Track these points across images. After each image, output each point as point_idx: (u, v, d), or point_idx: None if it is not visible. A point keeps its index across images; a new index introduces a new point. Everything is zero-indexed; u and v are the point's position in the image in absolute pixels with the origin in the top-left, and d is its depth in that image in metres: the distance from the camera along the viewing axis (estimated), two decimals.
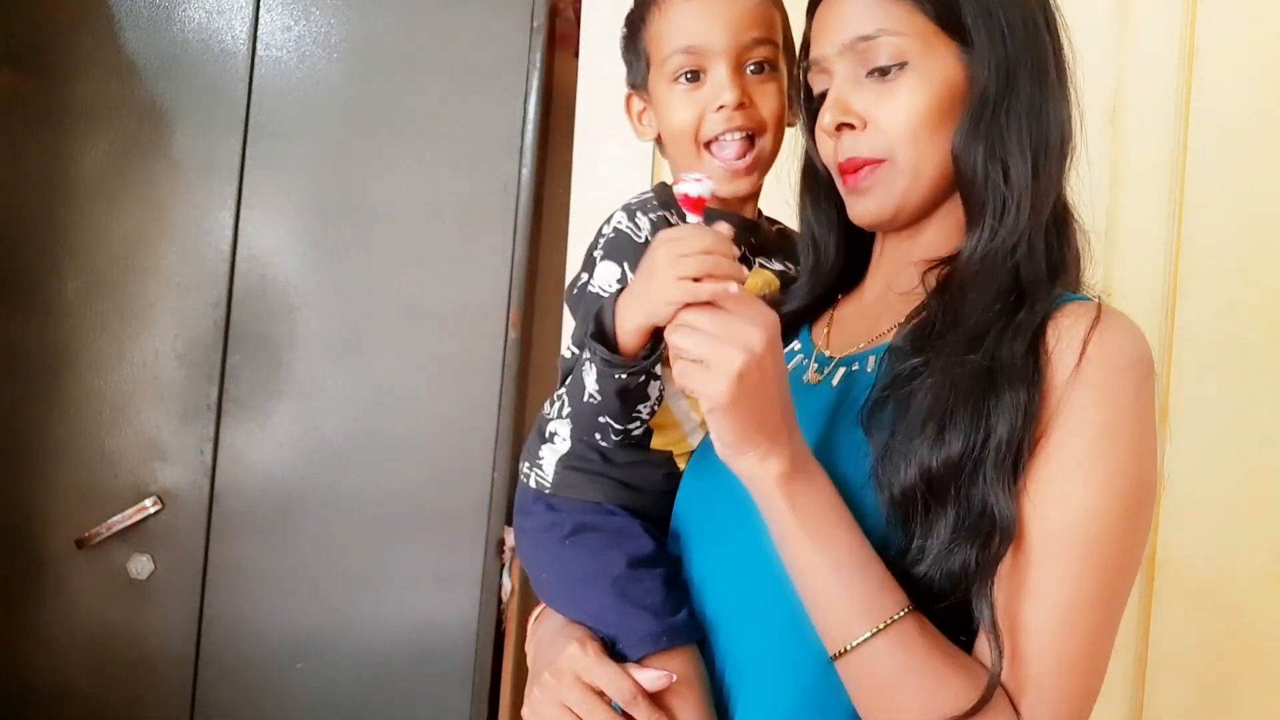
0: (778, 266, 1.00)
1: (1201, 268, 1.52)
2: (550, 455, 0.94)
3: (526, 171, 1.89)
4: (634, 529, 0.91)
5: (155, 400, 1.90)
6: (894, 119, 0.81)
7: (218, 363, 1.90)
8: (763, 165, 0.95)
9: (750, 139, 0.93)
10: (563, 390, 0.95)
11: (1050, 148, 0.82)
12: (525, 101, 1.89)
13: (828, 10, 0.85)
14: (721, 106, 0.91)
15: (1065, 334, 0.76)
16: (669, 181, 0.98)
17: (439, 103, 1.90)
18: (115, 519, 1.87)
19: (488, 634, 1.88)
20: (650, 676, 0.82)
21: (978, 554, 0.74)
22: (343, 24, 1.91)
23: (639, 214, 0.91)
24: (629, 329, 0.79)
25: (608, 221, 0.93)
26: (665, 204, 0.93)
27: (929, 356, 0.78)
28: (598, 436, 0.88)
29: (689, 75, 0.93)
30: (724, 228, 0.77)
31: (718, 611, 0.86)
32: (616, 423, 0.85)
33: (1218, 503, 1.50)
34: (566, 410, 0.92)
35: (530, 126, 1.89)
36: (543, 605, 0.97)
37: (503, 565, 1.89)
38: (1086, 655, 0.75)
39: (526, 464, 0.97)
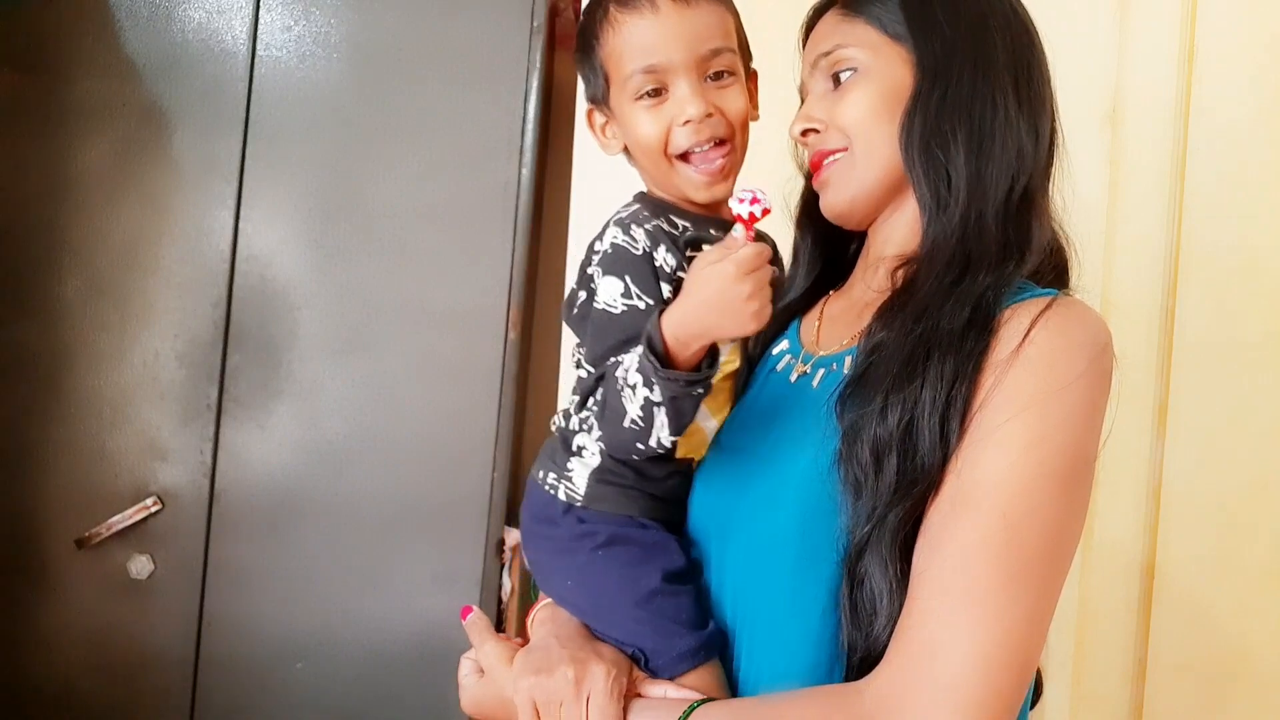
0: None
1: (1201, 268, 1.51)
2: (580, 469, 0.93)
3: (526, 171, 1.89)
4: (668, 543, 0.91)
5: (155, 400, 1.90)
6: (847, 115, 0.89)
7: (218, 363, 1.90)
8: (738, 166, 0.95)
9: (721, 143, 0.93)
10: (586, 414, 0.93)
11: (996, 137, 0.86)
12: (525, 101, 1.89)
13: (809, 41, 0.96)
14: (688, 120, 0.90)
15: (1016, 319, 0.79)
16: (644, 189, 0.99)
17: (439, 103, 1.90)
18: (115, 519, 1.87)
19: None
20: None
21: (899, 508, 0.76)
22: (343, 24, 1.91)
23: (633, 227, 0.90)
24: (693, 345, 0.80)
25: (600, 238, 0.92)
26: (655, 212, 0.92)
27: (886, 336, 0.83)
28: (635, 457, 0.88)
29: (651, 92, 0.91)
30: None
31: (735, 617, 0.88)
32: (679, 436, 0.84)
33: (1217, 504, 1.50)
34: (597, 434, 0.91)
35: (530, 126, 1.89)
36: (546, 602, 0.97)
37: (503, 565, 1.89)
38: (987, 617, 0.72)
39: (551, 475, 0.95)
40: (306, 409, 1.90)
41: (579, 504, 0.92)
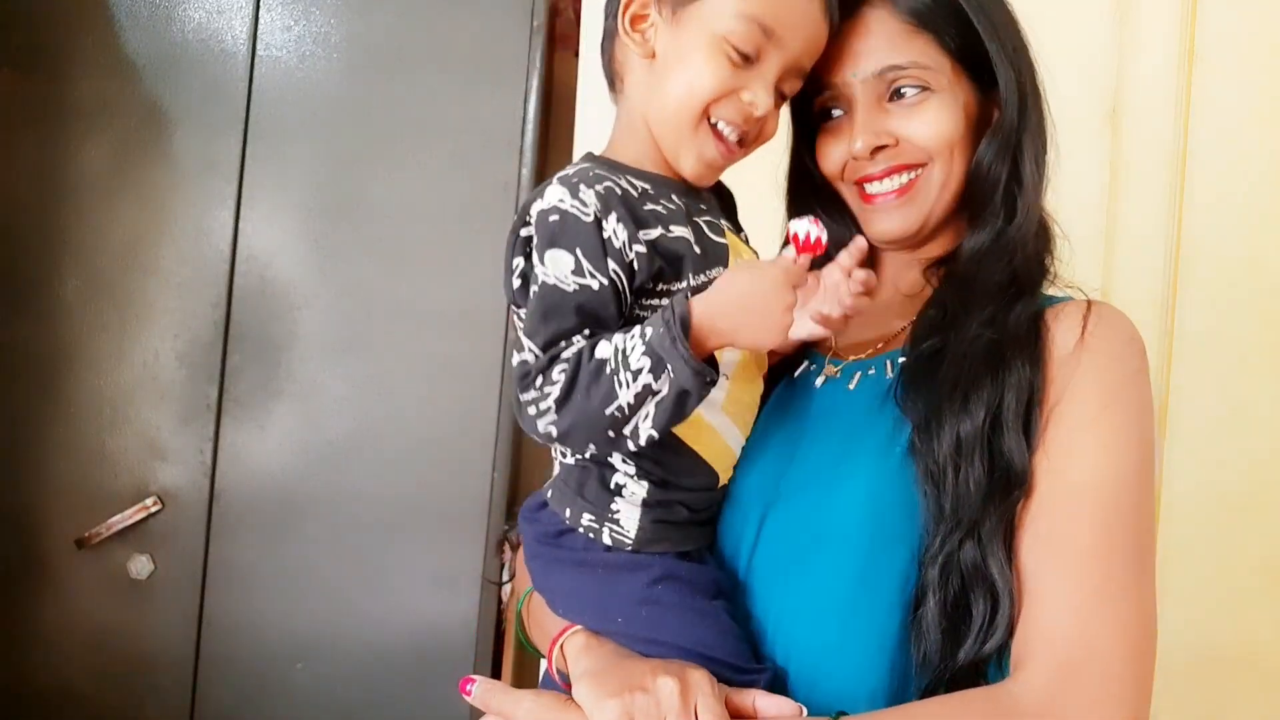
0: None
1: (1201, 268, 1.52)
2: (628, 510, 0.84)
3: (526, 171, 1.89)
4: (719, 576, 0.86)
5: (155, 400, 1.90)
6: (926, 134, 0.89)
7: (218, 363, 1.90)
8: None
9: (743, 144, 0.86)
10: (533, 395, 0.79)
11: (1046, 162, 0.93)
12: (525, 101, 1.89)
13: (848, 38, 0.91)
14: (752, 104, 0.83)
15: (1064, 318, 0.85)
16: (595, 153, 0.89)
17: (439, 103, 1.90)
18: (115, 519, 1.87)
19: (487, 634, 1.88)
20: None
21: (1000, 511, 0.79)
22: (343, 24, 1.91)
23: (582, 188, 0.79)
24: (711, 344, 0.76)
25: (541, 196, 0.80)
26: (611, 171, 0.83)
27: (946, 338, 0.85)
28: (591, 448, 0.81)
29: (744, 53, 0.82)
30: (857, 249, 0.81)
31: (779, 622, 0.86)
32: (660, 432, 0.78)
33: (1218, 503, 1.50)
34: (550, 419, 0.79)
35: (530, 126, 1.89)
36: (574, 629, 0.89)
37: (502, 565, 1.89)
38: (1128, 606, 0.76)
39: (588, 516, 0.85)
40: (306, 409, 1.90)
41: (629, 548, 0.84)
